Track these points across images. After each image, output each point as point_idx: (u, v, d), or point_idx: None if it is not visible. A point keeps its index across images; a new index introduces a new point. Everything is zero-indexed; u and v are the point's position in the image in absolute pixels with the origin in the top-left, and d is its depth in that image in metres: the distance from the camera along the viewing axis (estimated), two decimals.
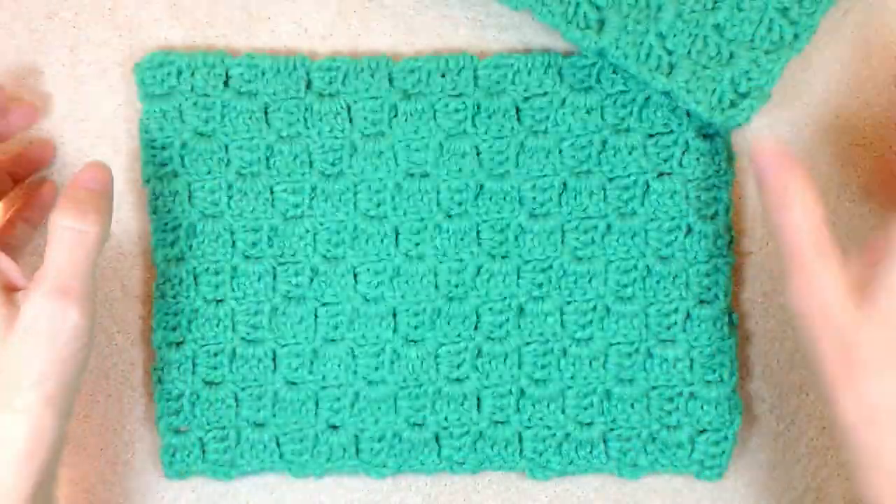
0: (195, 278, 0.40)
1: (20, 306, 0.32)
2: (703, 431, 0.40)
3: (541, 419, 0.40)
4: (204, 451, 0.40)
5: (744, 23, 0.39)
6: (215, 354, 0.40)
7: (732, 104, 0.39)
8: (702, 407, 0.40)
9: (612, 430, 0.41)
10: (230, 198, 0.40)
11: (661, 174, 0.40)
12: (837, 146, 0.44)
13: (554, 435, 0.40)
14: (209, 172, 0.40)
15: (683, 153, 0.40)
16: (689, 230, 0.40)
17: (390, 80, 0.40)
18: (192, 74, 0.39)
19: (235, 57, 0.40)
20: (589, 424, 0.41)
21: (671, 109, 0.40)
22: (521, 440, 0.41)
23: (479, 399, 0.40)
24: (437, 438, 0.40)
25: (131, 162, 0.41)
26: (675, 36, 0.39)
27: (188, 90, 0.39)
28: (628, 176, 0.40)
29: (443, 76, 0.40)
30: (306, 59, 0.40)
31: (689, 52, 0.39)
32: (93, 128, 0.41)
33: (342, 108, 0.40)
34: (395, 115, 0.40)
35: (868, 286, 0.32)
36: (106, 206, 0.34)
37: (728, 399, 0.40)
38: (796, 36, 0.40)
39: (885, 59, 0.44)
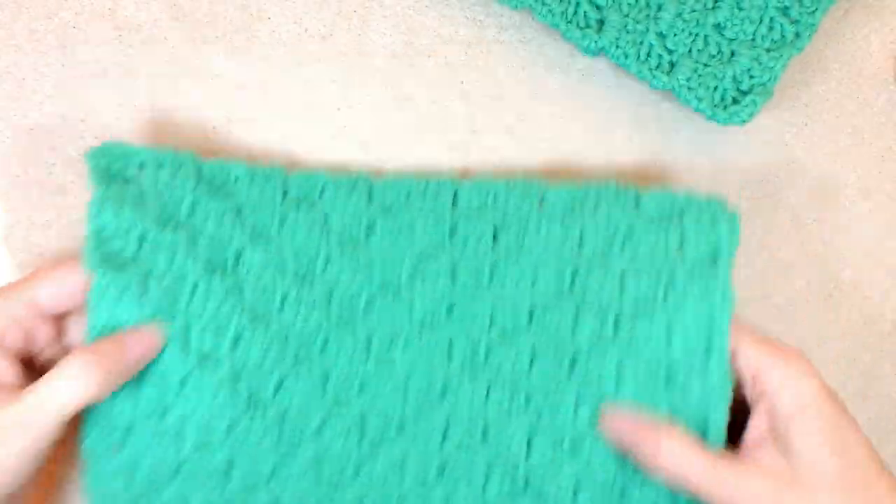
0: (137, 382, 0.35)
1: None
2: None
3: None
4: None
5: (744, 22, 0.39)
6: (161, 461, 0.35)
7: (735, 101, 0.39)
8: None
9: None
10: (192, 295, 0.36)
11: (637, 312, 0.37)
12: (837, 146, 0.44)
13: None
14: (171, 265, 0.36)
15: (668, 290, 0.37)
16: (670, 379, 0.36)
17: (369, 196, 0.39)
18: (158, 168, 0.36)
19: (206, 161, 0.37)
20: None
21: (658, 243, 0.37)
22: None
23: None
24: None
25: None
26: (675, 35, 0.39)
27: (151, 182, 0.36)
28: (601, 308, 0.37)
29: (423, 197, 0.39)
30: (283, 171, 0.38)
31: (689, 51, 0.39)
32: (93, 128, 0.41)
33: (319, 218, 0.38)
34: (372, 231, 0.39)
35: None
36: (125, 375, 0.33)
37: None
38: (797, 34, 0.40)
39: (885, 59, 0.44)
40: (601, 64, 0.43)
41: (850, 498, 0.32)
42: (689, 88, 0.39)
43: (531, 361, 0.38)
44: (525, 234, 0.39)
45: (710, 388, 0.36)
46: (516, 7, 0.40)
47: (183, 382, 0.35)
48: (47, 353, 0.36)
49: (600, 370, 0.37)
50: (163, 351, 0.35)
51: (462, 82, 0.43)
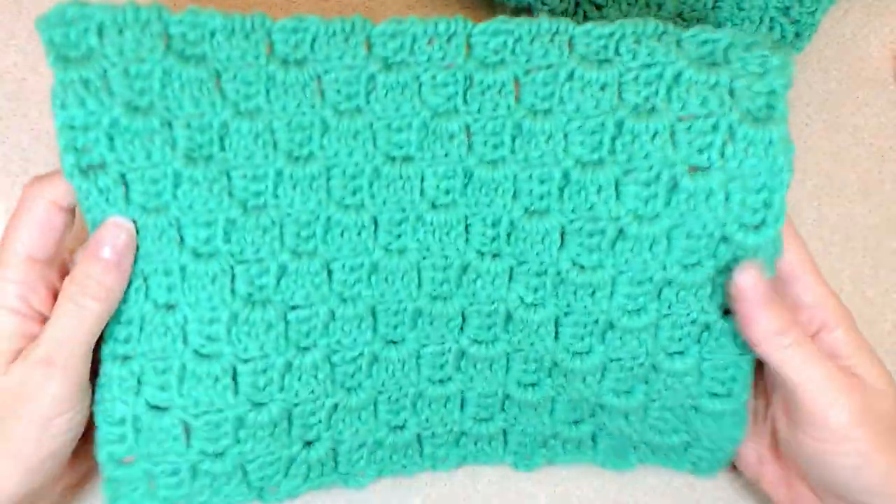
0: (145, 280, 0.33)
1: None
2: (699, 440, 0.38)
3: (527, 420, 0.38)
4: (154, 486, 0.34)
5: (744, 22, 0.39)
6: (163, 372, 0.33)
7: None
8: (702, 420, 0.37)
9: (601, 430, 0.38)
10: (176, 187, 0.32)
11: (694, 168, 0.33)
12: (837, 146, 0.44)
13: (541, 433, 0.38)
14: (149, 157, 0.32)
15: (726, 142, 0.32)
16: (725, 239, 0.33)
17: (368, 47, 0.33)
18: (120, 33, 0.30)
19: (175, 13, 0.31)
20: (577, 423, 0.38)
21: (711, 86, 0.32)
22: (505, 435, 0.38)
23: (462, 400, 0.37)
24: (418, 439, 0.38)
25: None
26: None
27: (115, 53, 0.30)
28: (650, 169, 0.33)
29: (430, 42, 0.33)
30: (267, 19, 0.32)
31: None
32: None
33: (311, 78, 0.32)
34: (374, 89, 0.33)
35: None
36: (116, 280, 0.33)
37: (733, 414, 0.37)
38: (797, 34, 0.40)
39: (885, 59, 0.44)
40: None
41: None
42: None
43: (562, 239, 0.34)
44: (553, 84, 0.33)
45: (765, 248, 0.33)
46: (516, 6, 0.40)
47: (183, 277, 0.33)
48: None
49: (648, 242, 0.33)
50: (160, 247, 0.33)
51: None
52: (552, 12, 0.39)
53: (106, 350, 0.34)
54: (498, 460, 0.39)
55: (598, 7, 0.39)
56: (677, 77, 0.32)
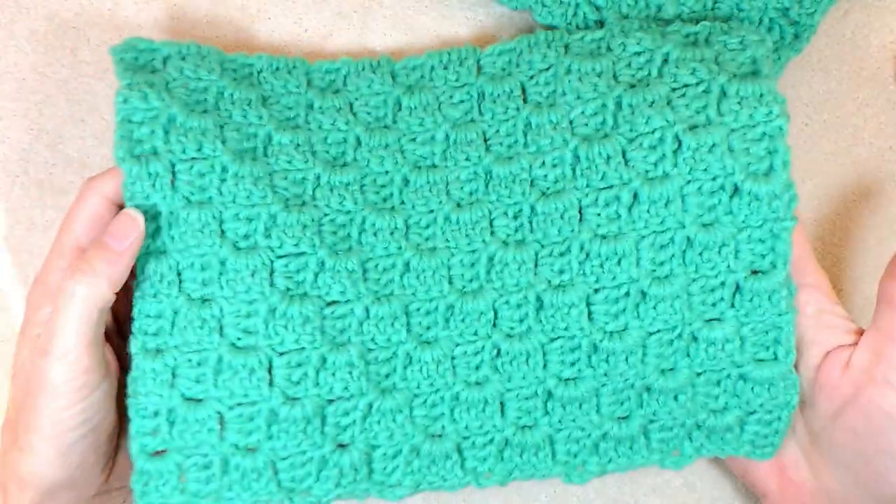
0: (179, 275, 0.35)
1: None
2: (754, 413, 0.36)
3: (573, 421, 0.36)
4: (183, 480, 0.35)
5: (743, 23, 0.39)
6: (198, 364, 0.34)
7: None
8: (752, 389, 0.36)
9: (652, 422, 0.37)
10: (223, 181, 0.35)
11: (693, 127, 0.34)
12: (837, 146, 0.44)
13: (589, 435, 0.37)
14: (199, 150, 0.34)
15: (720, 100, 0.34)
16: (737, 190, 0.34)
17: (393, 77, 0.38)
18: (182, 60, 0.36)
19: (229, 53, 0.37)
20: (626, 418, 0.37)
21: (698, 60, 0.35)
22: (552, 443, 0.37)
23: (502, 403, 0.36)
24: (458, 449, 0.37)
25: None
26: None
27: (177, 72, 0.35)
28: (652, 132, 0.35)
29: (445, 69, 0.38)
30: (305, 62, 0.38)
31: None
32: (93, 128, 0.41)
33: (344, 103, 0.38)
34: (399, 110, 0.38)
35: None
36: (112, 266, 0.33)
37: (783, 378, 0.36)
38: (796, 36, 0.40)
39: (885, 59, 0.44)
40: None
41: None
42: None
43: (580, 214, 0.36)
44: (555, 81, 0.37)
45: (774, 195, 0.34)
46: (516, 7, 0.40)
47: (221, 271, 0.35)
48: None
49: (663, 201, 0.35)
50: (199, 240, 0.34)
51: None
52: (552, 14, 0.39)
53: (136, 344, 0.34)
54: (547, 473, 0.37)
55: (598, 9, 0.39)
56: (666, 57, 0.35)
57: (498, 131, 0.37)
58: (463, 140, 0.37)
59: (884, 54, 0.44)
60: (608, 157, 0.35)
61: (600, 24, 0.39)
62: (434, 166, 0.37)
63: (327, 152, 0.37)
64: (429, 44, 0.42)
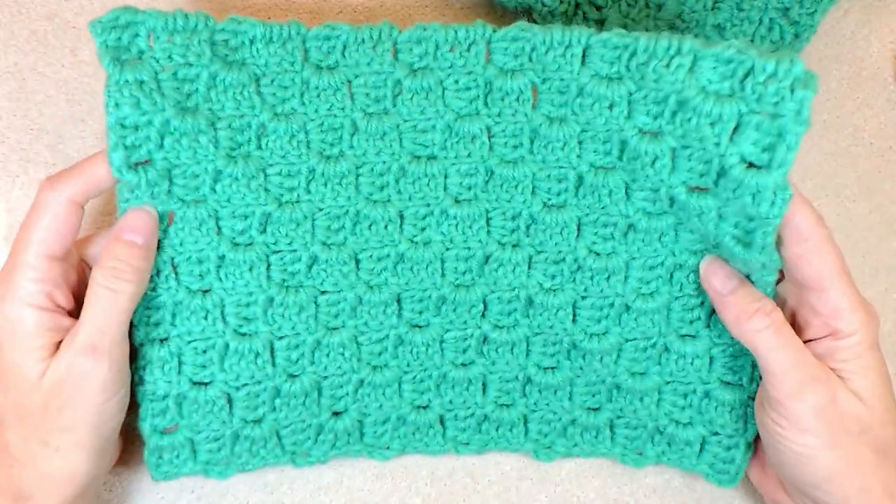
0: (175, 268, 0.36)
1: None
2: (716, 434, 0.39)
3: (547, 405, 0.40)
4: (195, 452, 0.38)
5: (744, 23, 0.39)
6: (204, 351, 0.37)
7: None
8: (716, 408, 0.38)
9: (619, 417, 0.39)
10: (216, 182, 0.35)
11: (690, 191, 0.34)
12: (837, 146, 0.44)
13: (560, 419, 0.40)
14: (194, 155, 0.35)
15: (721, 173, 0.32)
16: (717, 245, 0.35)
17: (395, 53, 0.35)
18: (170, 38, 0.33)
19: (219, 21, 0.34)
20: (596, 410, 0.39)
21: (712, 122, 0.32)
22: (526, 422, 0.40)
23: (484, 384, 0.39)
24: (441, 420, 0.40)
25: None
26: None
27: (165, 57, 0.33)
28: (653, 185, 0.35)
29: (451, 50, 0.35)
30: (301, 27, 0.35)
31: None
32: (93, 128, 0.41)
33: (342, 82, 0.35)
34: (400, 93, 0.36)
35: None
36: (144, 261, 0.35)
37: (745, 405, 0.38)
38: (796, 36, 0.40)
39: (885, 59, 0.44)
40: None
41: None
42: None
43: (578, 229, 0.37)
44: (567, 95, 0.35)
45: (753, 260, 0.33)
46: (516, 7, 0.40)
47: (219, 265, 0.36)
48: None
49: (657, 234, 0.36)
50: (196, 237, 0.36)
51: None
52: (552, 14, 0.39)
53: (140, 334, 0.36)
54: (518, 447, 0.40)
55: (598, 8, 0.39)
56: (682, 104, 0.32)
57: (504, 130, 0.36)
58: (465, 133, 0.36)
59: (884, 54, 0.44)
60: (611, 191, 0.36)
61: (600, 24, 0.39)
62: (433, 157, 0.37)
63: (323, 140, 0.36)
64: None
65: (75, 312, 0.35)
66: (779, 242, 0.34)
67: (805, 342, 0.35)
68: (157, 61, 0.33)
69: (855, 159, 0.44)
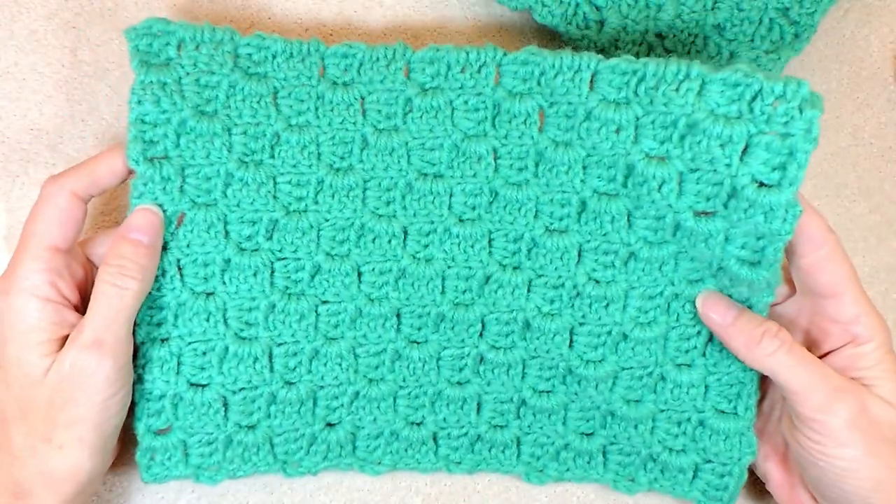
0: (180, 270, 0.37)
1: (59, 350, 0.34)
2: (709, 461, 0.39)
3: (540, 428, 0.40)
4: (186, 455, 0.38)
5: (744, 23, 0.39)
6: (204, 353, 0.37)
7: None
8: (710, 437, 0.38)
9: (612, 444, 0.40)
10: (227, 186, 0.36)
11: (699, 213, 0.34)
12: (837, 146, 0.44)
13: (553, 443, 0.40)
14: (207, 157, 0.36)
15: (730, 197, 0.33)
16: (721, 268, 0.36)
17: (408, 72, 0.36)
18: (197, 48, 0.35)
19: (245, 36, 0.36)
20: (589, 436, 0.40)
21: (722, 144, 0.32)
22: (519, 444, 0.40)
23: (479, 403, 0.39)
24: (434, 438, 0.40)
25: None
26: (674, 36, 0.39)
27: (190, 65, 0.35)
28: (657, 211, 0.35)
29: (462, 71, 0.36)
30: (321, 45, 0.36)
31: (688, 52, 0.39)
32: (93, 128, 0.41)
33: (355, 98, 0.37)
34: (410, 111, 0.37)
35: None
36: (150, 260, 0.35)
37: (741, 434, 0.38)
38: (796, 36, 0.40)
39: (885, 59, 0.44)
40: None
41: None
42: None
43: (579, 255, 0.37)
44: (574, 119, 0.36)
45: (755, 281, 0.34)
46: (516, 8, 0.40)
47: (224, 268, 0.37)
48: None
49: (658, 263, 0.37)
50: (204, 239, 0.36)
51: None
52: (552, 14, 0.39)
53: (141, 333, 0.37)
54: (510, 469, 0.40)
55: (598, 8, 0.39)
56: (692, 127, 0.33)
57: (510, 152, 0.37)
58: (472, 153, 0.37)
59: (884, 54, 0.44)
60: (613, 218, 0.36)
61: (600, 24, 0.39)
62: (440, 175, 0.37)
63: (333, 153, 0.37)
64: (429, 43, 0.42)
65: (81, 308, 0.35)
66: (790, 253, 0.35)
67: (823, 356, 0.35)
68: (182, 67, 0.35)
69: (855, 159, 0.44)
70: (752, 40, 0.39)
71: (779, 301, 0.38)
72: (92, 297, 0.34)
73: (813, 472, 0.35)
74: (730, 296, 0.36)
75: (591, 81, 0.35)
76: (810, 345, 0.36)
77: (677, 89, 0.33)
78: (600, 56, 0.35)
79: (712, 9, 0.39)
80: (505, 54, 0.36)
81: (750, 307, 0.36)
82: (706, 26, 0.39)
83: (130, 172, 0.36)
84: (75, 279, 0.35)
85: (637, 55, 0.39)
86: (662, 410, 0.39)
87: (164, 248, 0.36)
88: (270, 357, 0.38)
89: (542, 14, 0.39)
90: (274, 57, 0.36)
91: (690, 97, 0.33)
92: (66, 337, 0.34)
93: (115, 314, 0.34)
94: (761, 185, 0.32)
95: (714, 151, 0.32)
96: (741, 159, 0.32)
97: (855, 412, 0.33)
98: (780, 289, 0.37)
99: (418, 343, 0.38)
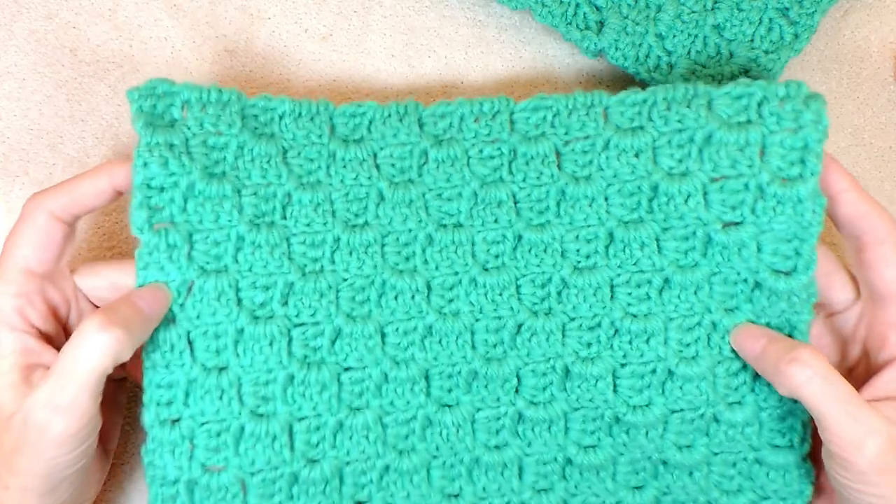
0: (190, 344, 0.35)
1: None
2: (767, 498, 0.37)
3: (588, 487, 0.37)
4: None
5: (743, 23, 0.39)
6: (218, 434, 0.35)
7: None
8: (767, 474, 0.36)
9: (665, 493, 0.37)
10: (238, 250, 0.35)
11: (727, 224, 0.35)
12: (837, 146, 0.44)
13: (603, 502, 0.37)
14: (217, 220, 0.34)
15: (756, 200, 0.34)
16: (758, 284, 0.35)
17: (420, 126, 0.36)
18: (203, 109, 0.34)
19: (251, 97, 0.35)
20: (640, 488, 0.37)
21: (740, 147, 0.34)
22: None
23: (520, 467, 0.36)
24: None
25: None
26: (674, 37, 0.39)
27: (197, 125, 0.34)
28: (686, 227, 0.35)
29: (476, 121, 0.36)
30: (329, 105, 0.36)
31: (688, 53, 0.39)
32: (93, 128, 0.41)
33: (368, 154, 0.36)
34: (426, 163, 0.36)
35: None
36: (140, 327, 0.32)
37: (798, 467, 0.36)
38: (796, 36, 0.40)
39: (885, 59, 0.44)
40: (602, 64, 0.43)
41: None
42: None
43: (612, 291, 0.36)
44: (592, 152, 0.35)
45: (799, 293, 0.34)
46: (516, 8, 0.40)
47: (237, 339, 0.35)
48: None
49: (692, 287, 0.35)
50: (215, 308, 0.34)
51: (462, 82, 0.43)
52: (552, 14, 0.39)
53: (149, 415, 0.34)
54: None
55: (598, 9, 0.39)
56: (708, 139, 0.34)
57: (529, 195, 0.36)
58: (492, 200, 0.36)
59: (884, 54, 0.44)
60: (642, 244, 0.36)
61: (600, 24, 0.39)
62: (459, 225, 0.36)
63: (348, 210, 0.36)
64: (429, 44, 0.42)
65: (54, 339, 0.33)
66: (854, 251, 0.35)
67: (883, 366, 0.34)
68: (189, 128, 0.34)
69: (855, 159, 0.44)
70: (752, 40, 0.39)
71: (840, 310, 0.36)
72: (67, 342, 0.31)
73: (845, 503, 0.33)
74: (768, 323, 0.35)
75: (604, 115, 0.36)
76: (867, 357, 0.35)
77: (689, 105, 0.35)
78: (608, 93, 0.36)
79: (712, 9, 0.39)
80: (517, 103, 0.36)
81: (791, 331, 0.35)
82: (706, 26, 0.39)
83: (119, 194, 0.34)
84: (50, 306, 0.33)
85: (637, 56, 0.39)
86: (716, 454, 0.36)
87: (173, 320, 0.34)
88: (290, 434, 0.35)
89: (541, 14, 0.39)
90: (281, 117, 0.35)
91: (702, 112, 0.34)
92: (42, 365, 0.32)
93: (77, 375, 0.30)
94: (784, 181, 0.34)
95: (734, 156, 0.34)
96: (761, 160, 0.34)
97: (884, 449, 0.31)
98: (843, 295, 0.36)
99: (450, 406, 0.36)
